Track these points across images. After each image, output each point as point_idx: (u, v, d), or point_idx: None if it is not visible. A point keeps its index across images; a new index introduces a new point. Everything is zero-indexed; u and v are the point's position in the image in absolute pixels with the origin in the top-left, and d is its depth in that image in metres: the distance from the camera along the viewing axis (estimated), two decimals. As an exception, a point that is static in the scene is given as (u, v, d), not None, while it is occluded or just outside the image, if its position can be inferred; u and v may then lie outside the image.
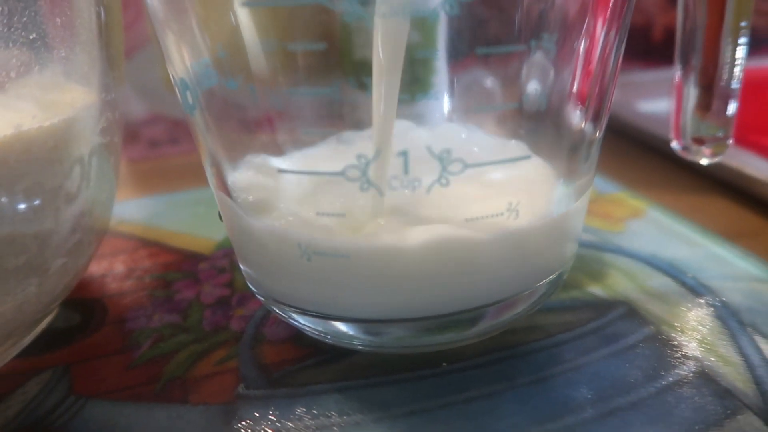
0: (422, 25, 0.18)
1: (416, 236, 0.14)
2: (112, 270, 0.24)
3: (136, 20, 0.38)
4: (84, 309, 0.22)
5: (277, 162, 0.14)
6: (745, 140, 0.29)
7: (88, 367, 0.18)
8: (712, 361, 0.16)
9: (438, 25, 0.18)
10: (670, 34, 0.54)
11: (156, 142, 0.42)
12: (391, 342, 0.16)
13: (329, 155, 0.14)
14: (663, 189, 0.29)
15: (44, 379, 0.18)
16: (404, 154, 0.13)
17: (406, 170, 0.13)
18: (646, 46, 0.53)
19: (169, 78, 0.17)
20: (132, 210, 0.31)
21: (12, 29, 0.14)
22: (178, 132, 0.41)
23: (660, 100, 0.39)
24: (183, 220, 0.29)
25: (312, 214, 0.14)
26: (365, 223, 0.14)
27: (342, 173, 0.14)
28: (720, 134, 0.21)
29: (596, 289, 0.20)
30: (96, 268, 0.25)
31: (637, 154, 0.34)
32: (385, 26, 0.13)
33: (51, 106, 0.17)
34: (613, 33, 0.16)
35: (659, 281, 0.21)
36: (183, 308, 0.21)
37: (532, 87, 0.16)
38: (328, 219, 0.14)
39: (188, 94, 0.16)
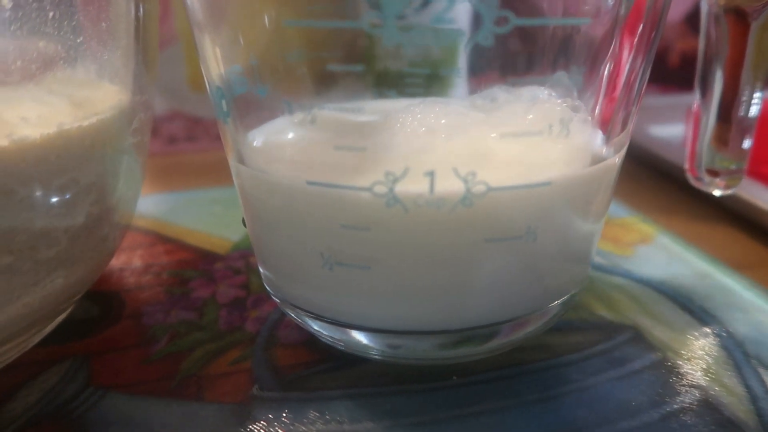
0: (445, 46, 0.19)
1: (438, 252, 0.15)
2: (130, 264, 0.25)
3: (162, 19, 0.39)
4: (102, 302, 0.22)
5: (305, 172, 0.15)
6: (756, 172, 0.29)
7: (106, 360, 0.19)
8: (716, 390, 0.17)
9: (460, 47, 0.19)
10: (686, 59, 0.55)
11: (174, 138, 0.42)
12: (406, 354, 0.17)
13: (357, 169, 0.14)
14: (673, 215, 0.29)
15: (63, 368, 0.18)
16: (431, 174, 0.14)
17: (431, 190, 0.14)
18: (662, 71, 0.54)
19: (194, 76, 0.18)
20: (149, 205, 0.32)
21: (61, 32, 0.15)
22: (197, 130, 0.42)
23: (674, 125, 0.39)
24: (199, 218, 0.30)
25: (337, 225, 0.15)
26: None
27: (369, 189, 0.14)
28: (734, 167, 0.22)
29: (604, 312, 0.21)
30: (114, 262, 0.25)
31: (648, 178, 0.35)
32: None
33: (83, 103, 0.18)
34: (639, 59, 0.16)
35: (666, 307, 0.21)
36: (199, 306, 0.22)
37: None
38: (353, 232, 0.15)
39: (223, 102, 0.16)
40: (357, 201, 0.14)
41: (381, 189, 0.14)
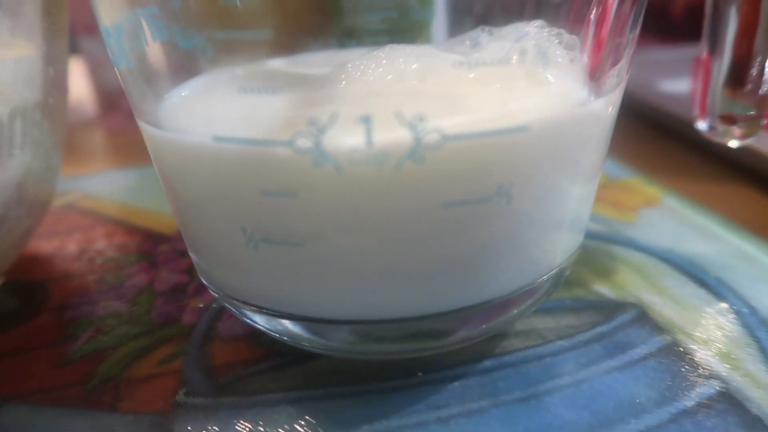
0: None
1: (384, 222, 0.12)
2: (63, 250, 0.22)
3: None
4: (23, 292, 0.19)
5: (217, 128, 0.12)
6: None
7: (14, 363, 0.16)
8: (738, 381, 0.14)
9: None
10: (690, 10, 0.51)
11: (136, 112, 0.39)
12: (353, 348, 0.14)
13: (272, 118, 0.11)
14: (681, 175, 0.26)
15: (-41, 375, 0.15)
16: (366, 120, 0.11)
17: (369, 141, 0.11)
18: (665, 23, 0.50)
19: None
20: (100, 183, 0.29)
21: None
22: (160, 102, 0.38)
23: (679, 80, 0.36)
24: (151, 195, 0.27)
25: (257, 192, 0.12)
26: None
27: (289, 143, 0.11)
28: (753, 113, 0.19)
29: (603, 288, 0.18)
30: (45, 247, 0.22)
31: (652, 136, 0.31)
32: None
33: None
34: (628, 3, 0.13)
35: (676, 281, 0.18)
36: (132, 295, 0.19)
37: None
38: (277, 199, 0.12)
39: (118, 44, 0.13)
40: (276, 160, 0.11)
41: (304, 143, 0.11)
